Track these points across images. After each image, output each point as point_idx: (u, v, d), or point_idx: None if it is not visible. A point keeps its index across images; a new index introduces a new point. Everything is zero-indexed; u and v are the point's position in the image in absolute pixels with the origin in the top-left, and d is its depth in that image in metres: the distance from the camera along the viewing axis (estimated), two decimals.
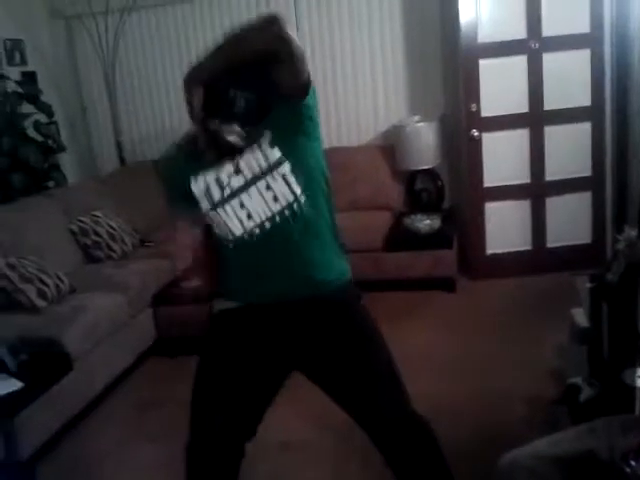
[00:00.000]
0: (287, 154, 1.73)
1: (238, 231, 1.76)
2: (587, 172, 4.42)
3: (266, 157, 1.72)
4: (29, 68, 4.82)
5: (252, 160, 1.73)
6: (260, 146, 1.73)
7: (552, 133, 4.36)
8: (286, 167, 1.73)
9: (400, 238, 4.44)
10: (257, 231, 1.75)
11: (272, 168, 1.73)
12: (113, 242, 4.18)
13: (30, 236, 3.76)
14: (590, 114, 4.32)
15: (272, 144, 1.73)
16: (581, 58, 4.24)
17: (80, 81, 5.45)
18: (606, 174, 4.37)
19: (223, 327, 1.87)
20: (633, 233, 2.06)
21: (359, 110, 5.03)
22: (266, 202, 1.74)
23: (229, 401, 1.78)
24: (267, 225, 1.74)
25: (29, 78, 4.78)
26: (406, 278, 4.39)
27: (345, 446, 2.72)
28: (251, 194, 1.74)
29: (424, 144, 4.57)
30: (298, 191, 1.74)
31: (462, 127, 4.43)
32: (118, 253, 4.17)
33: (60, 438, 3.05)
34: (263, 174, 1.73)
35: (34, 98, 4.66)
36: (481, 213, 4.50)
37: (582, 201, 4.46)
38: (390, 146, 4.81)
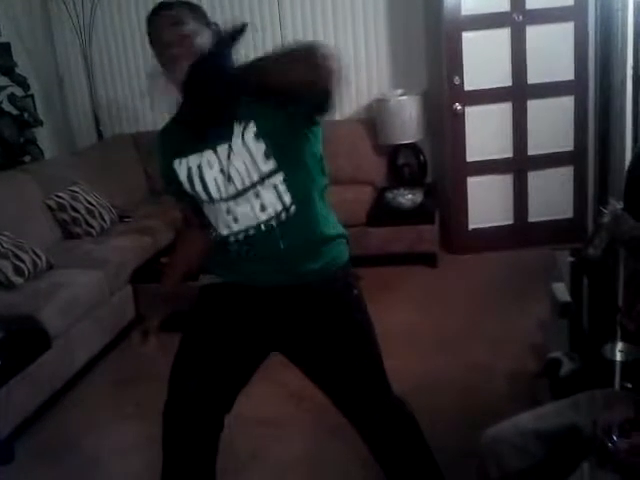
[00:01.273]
0: (282, 165, 1.66)
1: (224, 231, 1.74)
2: (569, 146, 4.42)
3: (258, 169, 1.65)
4: (3, 39, 4.69)
5: (243, 171, 1.66)
6: (253, 157, 1.64)
7: (535, 107, 4.35)
8: (279, 177, 1.67)
9: (382, 213, 4.42)
10: (241, 236, 1.72)
11: (264, 179, 1.66)
12: (91, 218, 4.12)
13: (5, 212, 3.69)
14: (573, 88, 4.31)
15: (267, 155, 1.64)
16: (565, 31, 4.21)
17: (56, 53, 5.32)
18: (588, 149, 4.36)
19: (209, 300, 1.85)
20: (619, 206, 2.05)
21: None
22: (253, 210, 1.68)
23: (207, 371, 1.78)
24: (251, 232, 1.70)
25: (3, 49, 4.65)
26: (388, 253, 4.37)
27: (325, 422, 2.71)
28: (239, 202, 1.69)
29: (407, 118, 4.53)
30: (288, 201, 1.68)
31: (445, 101, 4.39)
32: (96, 229, 4.11)
33: (39, 416, 3.02)
34: (253, 185, 1.67)
35: (9, 70, 4.55)
36: (463, 187, 4.49)
37: (564, 176, 4.47)
38: (372, 120, 4.76)
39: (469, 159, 4.44)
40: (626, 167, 3.61)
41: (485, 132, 4.40)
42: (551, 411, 1.58)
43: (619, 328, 2.01)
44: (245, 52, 1.64)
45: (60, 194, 4.09)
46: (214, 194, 1.70)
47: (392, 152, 4.79)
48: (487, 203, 4.52)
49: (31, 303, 3.09)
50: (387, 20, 4.81)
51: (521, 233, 4.52)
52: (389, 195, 4.47)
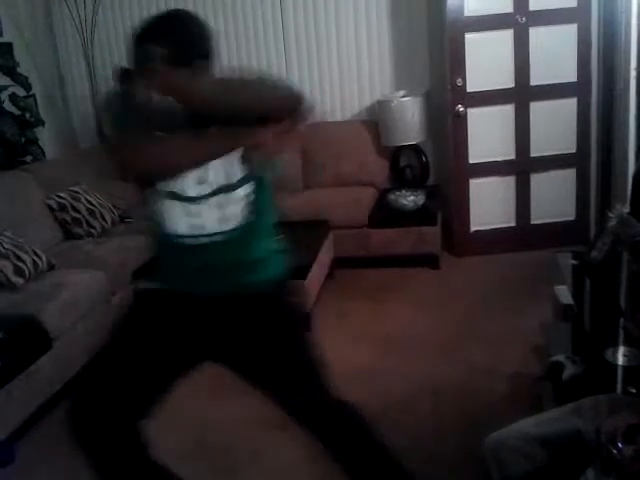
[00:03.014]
0: (253, 178, 1.70)
1: (174, 230, 1.72)
2: (572, 149, 4.41)
3: (235, 174, 1.68)
4: (5, 39, 4.68)
5: (220, 173, 1.67)
6: (231, 161, 1.66)
7: (538, 109, 4.34)
8: (247, 189, 1.70)
9: (384, 214, 4.41)
10: (191, 240, 1.71)
11: (234, 187, 1.68)
12: (92, 218, 4.11)
13: (6, 212, 3.68)
14: (576, 90, 4.30)
15: (242, 163, 1.68)
16: (568, 33, 4.21)
17: (58, 53, 5.32)
18: (591, 151, 4.35)
19: (144, 306, 1.83)
20: (625, 210, 2.04)
21: (343, 85, 4.96)
22: (214, 220, 1.69)
23: (125, 375, 1.75)
24: (204, 240, 1.70)
25: (5, 49, 4.65)
26: (390, 255, 4.36)
27: None
28: (203, 207, 1.68)
29: (409, 119, 4.52)
30: (249, 217, 1.71)
31: (447, 102, 4.39)
32: (97, 229, 4.11)
33: (40, 417, 3.01)
34: (223, 190, 1.68)
35: (10, 70, 4.55)
36: (465, 189, 4.48)
37: (567, 178, 4.46)
38: (375, 121, 4.76)
39: (471, 161, 4.43)
40: (629, 169, 3.61)
41: (487, 134, 4.39)
42: (554, 416, 1.57)
43: (622, 332, 2.00)
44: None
45: (61, 194, 4.08)
46: (189, 191, 1.68)
47: (394, 153, 4.78)
48: (489, 205, 4.50)
49: (32, 304, 3.08)
50: (390, 21, 4.80)
51: (523, 235, 4.51)
52: (391, 196, 4.46)
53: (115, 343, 1.83)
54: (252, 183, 1.70)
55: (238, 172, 1.68)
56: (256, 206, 1.72)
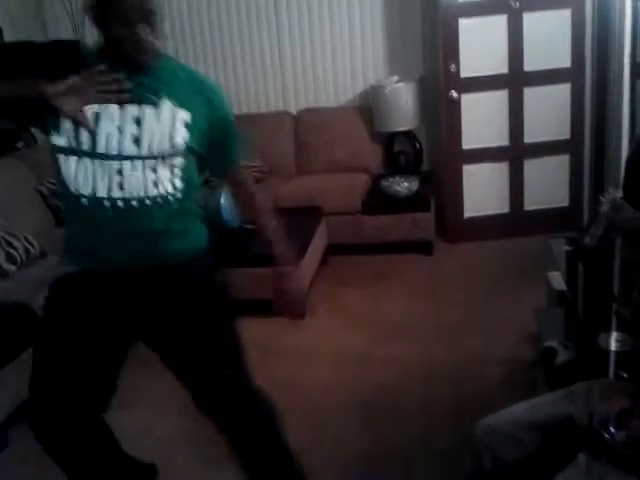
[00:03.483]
0: (191, 148, 1.71)
1: (101, 193, 1.65)
2: (566, 135, 4.40)
3: (172, 139, 1.66)
4: None
5: (156, 136, 1.65)
6: (174, 126, 1.67)
7: (531, 95, 4.33)
8: (181, 160, 1.70)
9: (378, 201, 4.40)
10: (120, 203, 1.66)
11: (170, 155, 1.67)
12: None
13: None
14: (570, 75, 4.29)
15: (188, 129, 1.69)
16: (562, 18, 4.19)
17: (49, 38, 5.26)
18: (585, 137, 4.35)
19: (64, 295, 1.79)
20: (618, 194, 2.04)
21: (336, 70, 4.93)
22: (145, 182, 1.66)
23: (70, 372, 1.72)
24: (134, 203, 1.66)
25: None
26: (383, 241, 4.36)
27: (321, 412, 2.71)
28: (136, 167, 1.65)
29: (403, 105, 4.50)
30: (179, 186, 1.71)
31: (441, 88, 4.37)
32: None
33: None
34: (158, 156, 1.66)
35: None
36: (459, 176, 4.47)
37: (560, 164, 4.46)
38: (368, 107, 4.74)
39: (465, 147, 4.42)
40: (623, 155, 3.61)
41: (481, 120, 4.38)
42: (546, 401, 1.58)
43: (615, 317, 2.00)
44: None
45: (53, 180, 4.04)
46: (111, 145, 1.64)
47: (388, 139, 4.77)
48: (483, 191, 4.50)
49: (24, 290, 3.06)
50: (383, 6, 4.77)
51: (517, 221, 4.51)
52: (385, 183, 4.45)
53: (43, 341, 1.78)
54: (187, 153, 1.70)
55: (178, 139, 1.67)
56: (187, 175, 1.73)
